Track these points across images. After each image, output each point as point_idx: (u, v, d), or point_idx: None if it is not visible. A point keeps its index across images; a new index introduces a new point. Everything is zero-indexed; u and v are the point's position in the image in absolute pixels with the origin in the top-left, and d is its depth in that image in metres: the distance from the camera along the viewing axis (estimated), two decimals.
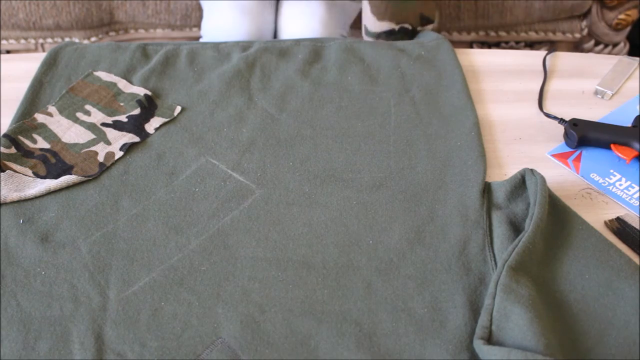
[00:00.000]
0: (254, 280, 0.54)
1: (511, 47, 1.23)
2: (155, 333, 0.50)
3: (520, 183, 0.59)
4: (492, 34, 1.20)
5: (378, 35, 0.82)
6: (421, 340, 0.49)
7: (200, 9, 1.12)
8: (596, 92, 0.77)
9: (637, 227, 0.59)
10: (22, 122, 0.68)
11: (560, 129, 0.70)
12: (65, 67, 0.79)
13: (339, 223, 0.58)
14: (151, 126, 0.70)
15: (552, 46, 1.23)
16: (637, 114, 0.73)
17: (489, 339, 0.47)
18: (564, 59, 0.83)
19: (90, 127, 0.69)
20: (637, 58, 0.82)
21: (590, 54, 0.88)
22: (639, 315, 0.49)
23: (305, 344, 0.49)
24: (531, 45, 1.24)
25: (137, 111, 0.72)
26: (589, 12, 1.18)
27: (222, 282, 0.53)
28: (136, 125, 0.70)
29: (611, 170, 0.66)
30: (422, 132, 0.69)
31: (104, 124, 0.70)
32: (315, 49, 0.81)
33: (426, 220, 0.58)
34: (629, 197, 0.63)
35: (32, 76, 0.77)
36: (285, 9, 0.89)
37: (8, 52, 1.21)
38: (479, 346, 0.46)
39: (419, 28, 0.79)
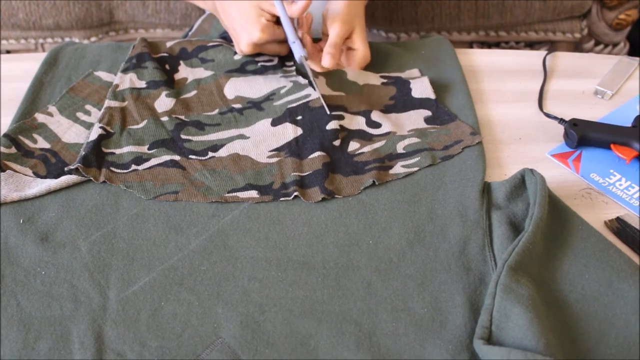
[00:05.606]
0: (254, 280, 0.54)
1: (511, 47, 1.23)
2: (155, 333, 0.50)
3: (520, 183, 0.59)
4: (492, 34, 1.20)
5: None
6: (421, 340, 0.49)
7: (200, 9, 1.12)
8: (596, 92, 0.77)
9: (637, 227, 0.59)
10: (22, 122, 0.68)
11: (560, 129, 0.70)
12: (65, 67, 0.79)
13: (339, 223, 0.58)
14: None
15: (552, 46, 1.23)
16: (637, 114, 0.73)
17: (489, 339, 0.47)
18: (564, 59, 0.83)
19: (91, 127, 0.69)
20: (637, 58, 0.82)
21: (590, 54, 0.88)
22: (639, 315, 0.49)
23: (305, 344, 0.49)
24: (531, 45, 1.24)
25: None
26: (589, 12, 1.18)
27: (222, 282, 0.53)
28: None
29: (611, 170, 0.66)
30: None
31: None
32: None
33: (426, 220, 0.58)
34: (629, 197, 0.63)
35: (32, 76, 0.76)
36: None
37: (8, 52, 1.21)
38: (479, 346, 0.46)
39: None
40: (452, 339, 0.49)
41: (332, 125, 0.67)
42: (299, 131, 0.68)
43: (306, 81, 0.74)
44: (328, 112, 0.68)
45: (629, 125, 0.69)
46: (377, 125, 0.69)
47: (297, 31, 0.75)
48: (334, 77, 0.74)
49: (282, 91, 0.73)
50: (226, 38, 0.82)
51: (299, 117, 0.69)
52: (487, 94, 0.77)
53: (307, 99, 0.70)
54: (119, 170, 0.63)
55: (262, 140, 0.67)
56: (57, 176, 0.62)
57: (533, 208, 0.55)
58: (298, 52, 0.72)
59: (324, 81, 0.73)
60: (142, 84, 0.74)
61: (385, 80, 0.75)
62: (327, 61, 0.71)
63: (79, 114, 0.71)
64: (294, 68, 0.77)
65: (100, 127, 0.67)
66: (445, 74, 0.78)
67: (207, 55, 0.78)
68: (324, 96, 0.70)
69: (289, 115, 0.69)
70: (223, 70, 0.77)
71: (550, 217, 0.56)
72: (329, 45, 0.72)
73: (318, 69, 0.74)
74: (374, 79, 0.75)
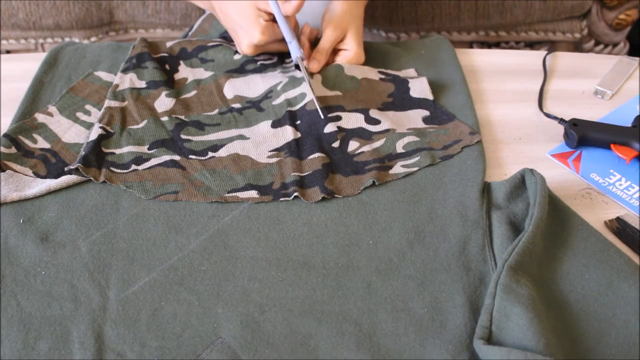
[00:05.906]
0: (254, 280, 0.54)
1: (511, 47, 1.23)
2: (155, 333, 0.50)
3: (520, 183, 0.59)
4: (492, 34, 1.20)
5: None
6: (421, 340, 0.49)
7: (200, 9, 1.12)
8: (596, 92, 0.77)
9: (637, 227, 0.59)
10: (22, 122, 0.68)
11: (560, 129, 0.70)
12: (65, 67, 0.79)
13: (339, 223, 0.58)
14: None
15: (552, 46, 1.23)
16: (637, 114, 0.73)
17: (489, 339, 0.47)
18: (564, 59, 0.83)
19: (91, 127, 0.69)
20: (637, 58, 0.82)
21: (590, 54, 0.88)
22: (639, 315, 0.49)
23: (305, 344, 0.49)
24: (531, 45, 1.24)
25: None
26: (589, 12, 1.18)
27: (222, 282, 0.53)
28: None
29: (611, 170, 0.66)
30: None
31: None
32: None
33: (426, 220, 0.58)
34: (629, 197, 0.63)
35: (32, 76, 0.76)
36: None
37: (8, 52, 1.21)
38: (479, 346, 0.46)
39: None
40: (452, 339, 0.49)
41: (330, 128, 0.67)
42: (299, 134, 0.68)
43: (302, 74, 0.74)
44: (322, 117, 0.68)
45: (629, 125, 0.69)
46: (376, 121, 0.69)
47: (297, 28, 0.75)
48: (331, 73, 0.74)
49: (279, 87, 0.73)
50: (226, 38, 0.82)
51: (298, 122, 0.69)
52: (487, 94, 0.77)
53: (304, 101, 0.70)
54: (119, 170, 0.63)
55: (262, 140, 0.67)
56: (57, 176, 0.62)
57: (533, 208, 0.55)
58: (294, 53, 0.73)
59: (320, 80, 0.73)
60: (142, 84, 0.74)
61: (383, 77, 0.75)
62: (312, 66, 0.74)
63: (79, 114, 0.71)
64: (292, 64, 0.77)
65: (100, 127, 0.67)
66: (445, 74, 0.78)
67: (207, 55, 0.78)
68: (319, 97, 0.70)
69: (289, 118, 0.69)
70: (223, 70, 0.77)
71: (550, 217, 0.56)
72: (316, 51, 0.74)
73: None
74: (372, 74, 0.75)
